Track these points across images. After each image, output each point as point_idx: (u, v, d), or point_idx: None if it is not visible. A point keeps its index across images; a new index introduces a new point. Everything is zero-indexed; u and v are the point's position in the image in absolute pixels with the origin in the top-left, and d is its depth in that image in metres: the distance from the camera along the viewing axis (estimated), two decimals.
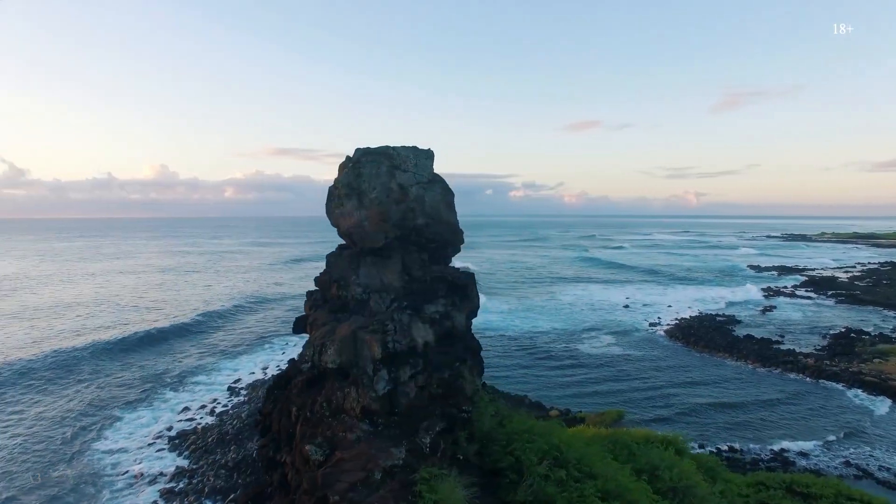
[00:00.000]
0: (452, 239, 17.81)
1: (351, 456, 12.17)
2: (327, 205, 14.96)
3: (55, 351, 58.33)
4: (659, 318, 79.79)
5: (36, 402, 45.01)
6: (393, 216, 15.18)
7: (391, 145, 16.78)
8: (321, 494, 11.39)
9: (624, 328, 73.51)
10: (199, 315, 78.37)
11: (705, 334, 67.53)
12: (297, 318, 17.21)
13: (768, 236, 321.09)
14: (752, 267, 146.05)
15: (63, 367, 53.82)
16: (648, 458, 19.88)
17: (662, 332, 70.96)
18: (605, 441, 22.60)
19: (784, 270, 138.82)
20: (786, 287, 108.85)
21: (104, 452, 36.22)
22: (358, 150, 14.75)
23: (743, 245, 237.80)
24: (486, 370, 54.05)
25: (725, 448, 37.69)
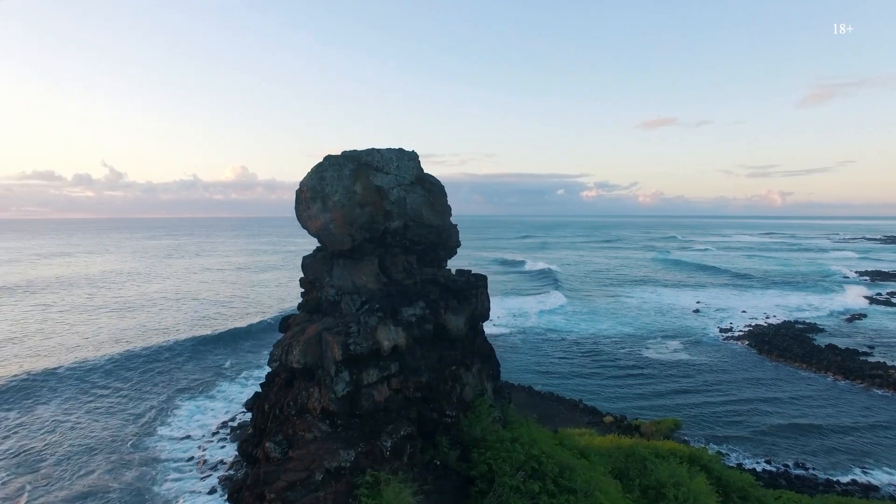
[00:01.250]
0: (439, 241, 17.54)
1: (299, 455, 12.32)
2: (296, 207, 15.18)
3: (136, 342, 62.56)
4: (731, 324, 75.66)
5: (116, 389, 48.39)
6: (357, 219, 15.09)
7: (377, 147, 16.97)
8: (259, 491, 11.61)
9: (692, 334, 70.24)
10: (270, 312, 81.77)
11: (781, 342, 63.36)
12: (282, 318, 17.56)
13: (865, 238, 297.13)
14: (843, 271, 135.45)
15: (142, 357, 57.56)
16: (658, 475, 18.82)
17: (734, 339, 67.24)
18: (620, 453, 21.59)
19: (880, 276, 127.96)
20: (880, 294, 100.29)
21: (170, 439, 38.43)
22: (328, 156, 15.00)
23: (834, 248, 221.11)
24: (542, 373, 53.74)
25: (792, 465, 35.20)
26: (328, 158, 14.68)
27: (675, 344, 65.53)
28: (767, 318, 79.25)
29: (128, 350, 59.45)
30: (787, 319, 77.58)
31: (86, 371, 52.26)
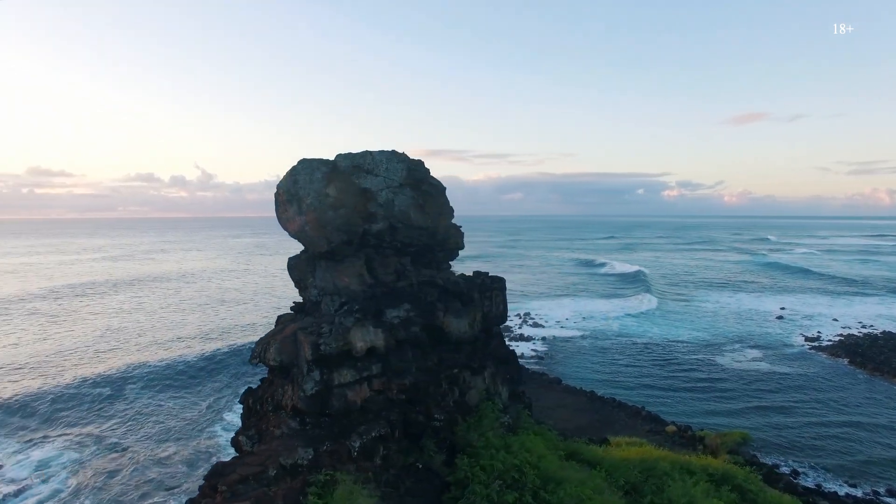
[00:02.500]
0: (433, 242, 17.13)
1: (259, 450, 12.51)
2: (276, 209, 15.38)
3: (214, 338, 66.36)
4: (819, 332, 70.02)
5: (196, 382, 51.53)
6: (331, 221, 14.90)
7: (370, 150, 16.85)
8: (213, 483, 11.79)
9: (773, 342, 65.61)
10: None
11: (878, 354, 57.90)
12: (277, 317, 17.80)
13: None
14: None
15: (223, 352, 60.92)
16: (670, 493, 17.48)
17: (820, 349, 62.15)
18: (641, 468, 20.27)
19: None
20: None
21: (223, 429, 40.46)
22: (302, 159, 15.05)
23: None
24: (606, 377, 52.02)
25: (884, 491, 32.04)
26: (301, 161, 14.88)
27: (753, 352, 61.48)
28: (864, 327, 72.75)
29: (209, 345, 63.14)
30: (888, 330, 70.82)
31: (169, 365, 55.92)
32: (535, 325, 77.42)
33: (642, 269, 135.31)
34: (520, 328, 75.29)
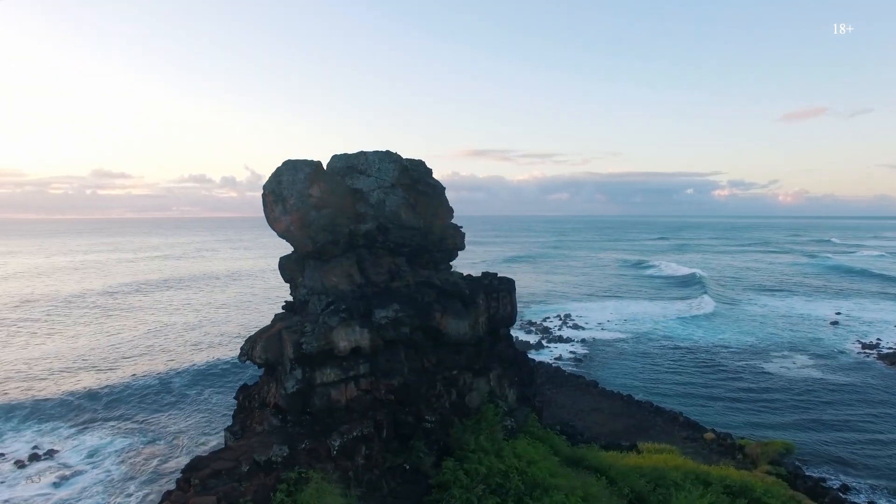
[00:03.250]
0: (426, 243, 16.98)
1: (236, 446, 12.68)
2: (264, 209, 15.51)
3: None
4: (878, 339, 66.42)
5: (237, 375, 53.20)
6: (314, 221, 14.94)
7: (365, 150, 16.98)
8: (188, 476, 12.04)
9: (826, 348, 62.65)
10: None
11: None
12: (275, 315, 18.06)
13: None
14: None
15: None
16: None
17: (879, 357, 58.97)
18: (652, 477, 19.54)
19: None
20: None
21: None
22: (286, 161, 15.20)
23: None
24: (646, 381, 50.86)
25: None
26: (286, 163, 15.07)
27: (802, 359, 58.89)
28: None
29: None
30: None
31: (215, 360, 57.85)
32: (576, 326, 76.39)
33: (695, 270, 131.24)
34: (559, 330, 74.44)
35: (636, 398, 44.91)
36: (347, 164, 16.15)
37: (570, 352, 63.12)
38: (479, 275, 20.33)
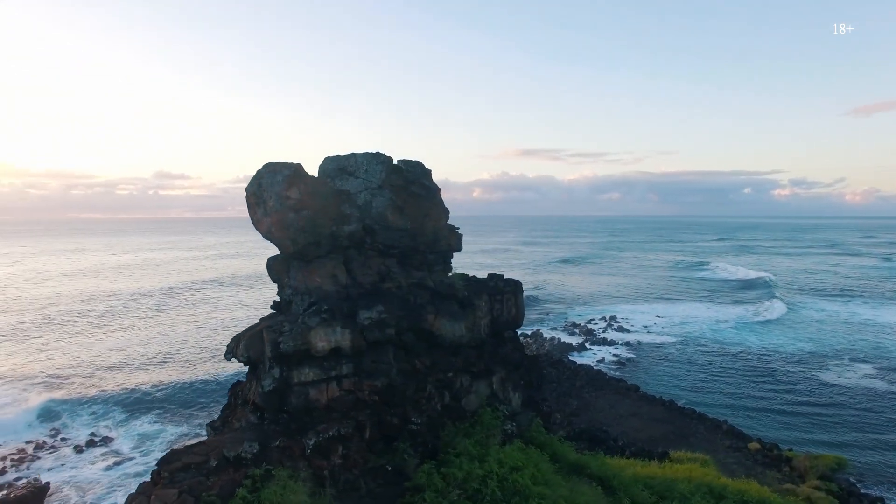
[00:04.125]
0: (414, 244, 16.77)
1: (209, 441, 12.98)
2: (248, 211, 15.67)
3: None
4: None
5: None
6: (293, 223, 15.00)
7: (356, 152, 17.13)
8: (159, 469, 12.32)
9: (892, 359, 59.03)
10: None
11: None
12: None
13: None
14: None
15: None
16: None
17: None
18: (659, 486, 18.63)
19: None
20: None
21: None
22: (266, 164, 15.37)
23: None
24: (691, 387, 49.31)
25: None
26: (266, 165, 15.32)
27: (865, 368, 55.66)
28: None
29: None
30: None
31: None
32: (621, 329, 74.82)
33: (762, 274, 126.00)
34: (604, 332, 73.08)
35: (678, 404, 43.57)
36: (338, 166, 16.51)
37: (614, 355, 61.87)
38: (486, 276, 20.26)
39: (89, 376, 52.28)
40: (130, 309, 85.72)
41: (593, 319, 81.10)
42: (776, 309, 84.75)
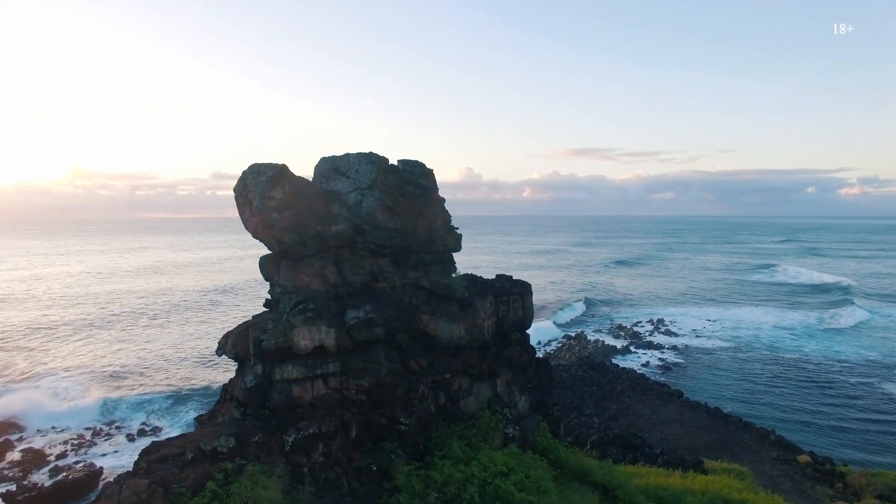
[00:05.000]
0: (406, 245, 16.62)
1: (190, 434, 13.41)
2: (238, 211, 15.89)
3: None
4: None
5: None
6: (276, 223, 15.16)
7: (350, 153, 17.26)
8: (138, 459, 12.76)
9: None
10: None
11: None
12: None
13: None
14: None
15: None
16: None
17: None
18: (669, 499, 17.61)
19: None
20: None
21: None
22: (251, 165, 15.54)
23: None
24: (740, 395, 47.38)
25: None
26: (251, 167, 15.54)
27: None
28: None
29: None
30: None
31: None
32: (668, 332, 72.72)
33: (828, 276, 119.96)
34: (650, 335, 71.23)
35: (725, 411, 41.89)
36: (332, 167, 16.89)
37: (659, 359, 60.17)
38: (493, 277, 20.13)
39: (145, 369, 54.84)
40: (186, 305, 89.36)
41: (640, 322, 79.14)
42: (853, 316, 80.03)
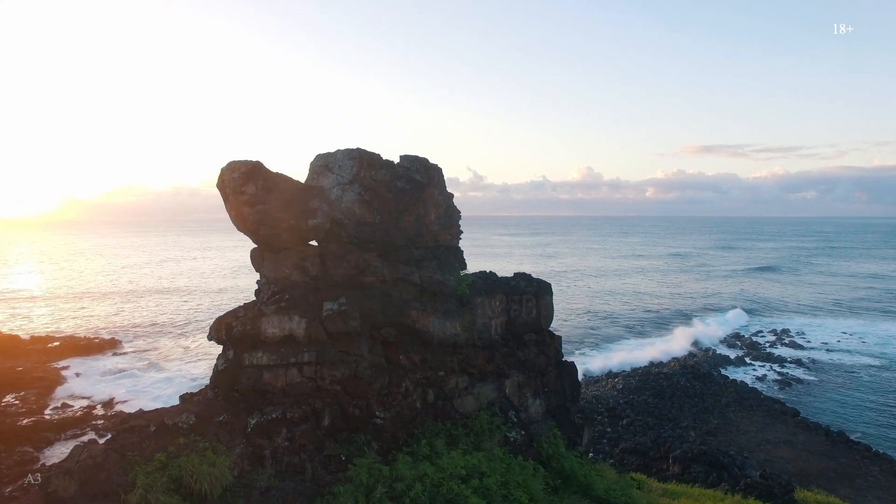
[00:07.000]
0: (389, 239, 16.84)
1: (161, 409, 14.34)
2: (224, 205, 16.30)
3: None
4: None
5: None
6: (248, 217, 15.73)
7: (340, 149, 17.45)
8: (113, 428, 12.77)
9: None
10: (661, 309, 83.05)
11: None
12: None
13: None
14: None
15: None
16: None
17: None
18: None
19: None
20: None
21: None
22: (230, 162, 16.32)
23: None
24: (874, 419, 41.30)
25: None
26: (228, 164, 16.16)
27: None
28: None
29: None
30: None
31: None
32: (793, 344, 65.44)
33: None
34: (770, 347, 64.61)
35: (850, 437, 36.59)
36: (323, 163, 17.43)
37: (778, 373, 54.28)
38: (511, 275, 19.78)
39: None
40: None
41: (761, 332, 72.10)
42: None
